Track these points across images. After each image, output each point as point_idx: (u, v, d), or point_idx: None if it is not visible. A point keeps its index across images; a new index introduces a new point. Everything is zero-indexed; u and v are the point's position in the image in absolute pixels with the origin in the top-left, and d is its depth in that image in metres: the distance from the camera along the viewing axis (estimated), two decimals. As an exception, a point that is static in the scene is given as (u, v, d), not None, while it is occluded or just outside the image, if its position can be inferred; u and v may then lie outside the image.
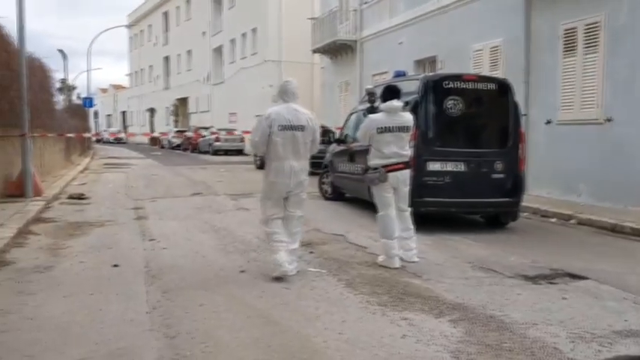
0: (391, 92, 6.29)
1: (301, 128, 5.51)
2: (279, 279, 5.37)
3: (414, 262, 6.16)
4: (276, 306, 4.61)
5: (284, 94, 5.60)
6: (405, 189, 6.29)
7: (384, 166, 6.09)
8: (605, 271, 5.90)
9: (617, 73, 9.80)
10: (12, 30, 10.64)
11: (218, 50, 40.72)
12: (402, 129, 6.18)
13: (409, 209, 6.36)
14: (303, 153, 5.59)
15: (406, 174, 6.26)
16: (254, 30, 34.41)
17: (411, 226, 6.32)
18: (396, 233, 6.12)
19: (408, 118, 6.30)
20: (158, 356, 3.58)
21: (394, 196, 6.22)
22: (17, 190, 10.48)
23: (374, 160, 6.22)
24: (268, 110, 5.57)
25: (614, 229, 8.28)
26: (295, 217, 5.68)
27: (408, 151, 6.28)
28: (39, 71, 13.99)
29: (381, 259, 6.18)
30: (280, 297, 4.86)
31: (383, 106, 6.26)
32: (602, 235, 8.14)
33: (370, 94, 6.72)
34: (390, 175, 6.11)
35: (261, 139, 5.50)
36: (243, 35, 36.04)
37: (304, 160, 5.64)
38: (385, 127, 6.12)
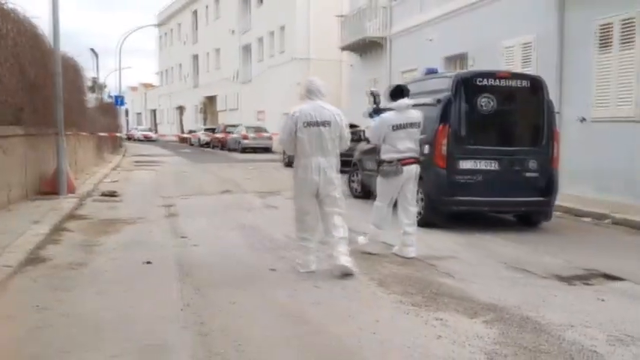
0: (400, 91, 6.61)
1: (327, 124, 5.55)
2: (308, 276, 5.39)
3: (411, 257, 6.27)
4: (308, 305, 4.59)
5: (309, 92, 5.69)
6: (414, 186, 6.53)
7: (399, 160, 6.33)
8: (643, 272, 5.75)
9: (654, 69, 9.54)
10: (45, 29, 10.83)
11: (246, 48, 40.94)
12: (413, 125, 6.50)
13: (415, 206, 6.61)
14: (330, 149, 5.60)
15: (417, 169, 6.53)
16: (282, 28, 34.51)
17: (415, 223, 6.52)
18: (387, 225, 6.49)
19: (417, 114, 6.61)
20: (192, 353, 3.59)
21: (401, 192, 6.46)
22: (51, 187, 10.65)
23: (389, 155, 6.43)
24: (293, 109, 5.68)
25: (652, 230, 8.07)
26: (335, 213, 5.62)
27: (418, 147, 6.59)
28: (71, 70, 14.22)
29: (363, 241, 6.52)
30: (312, 296, 4.84)
31: (394, 104, 6.54)
32: (637, 235, 7.96)
33: (375, 96, 7.11)
34: (405, 168, 6.35)
35: (289, 137, 5.62)
36: (271, 33, 36.16)
37: (333, 157, 5.64)
38: (399, 125, 6.43)
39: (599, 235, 8.07)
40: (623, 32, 10.09)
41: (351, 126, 18.08)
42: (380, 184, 6.58)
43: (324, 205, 5.63)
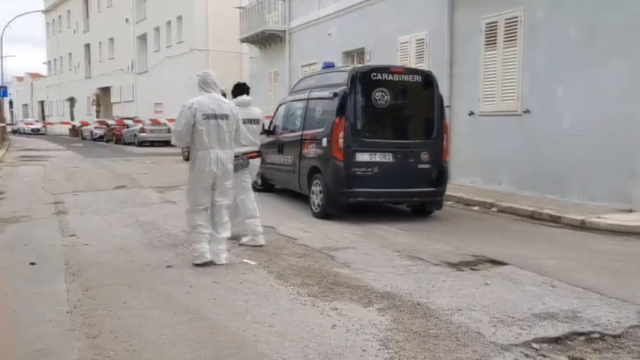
0: (241, 89, 6.95)
1: (225, 117, 5.67)
2: (206, 271, 5.33)
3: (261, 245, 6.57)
4: (205, 301, 4.53)
5: (204, 84, 5.75)
6: (254, 177, 7.02)
7: (245, 154, 6.54)
8: (524, 256, 6.17)
9: (534, 66, 10.22)
10: None
11: (142, 38, 39.53)
12: (253, 121, 6.84)
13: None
14: (228, 142, 5.74)
15: (259, 162, 6.98)
16: (180, 18, 33.62)
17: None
18: (257, 211, 6.64)
19: (257, 111, 7.00)
20: (79, 357, 3.44)
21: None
22: None
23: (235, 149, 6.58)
24: (190, 100, 5.66)
25: (533, 216, 8.67)
26: (223, 207, 5.82)
27: (259, 142, 6.96)
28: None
29: (246, 239, 6.61)
30: (209, 292, 4.78)
31: (235, 101, 6.74)
32: (521, 222, 8.50)
33: (223, 95, 7.37)
34: (250, 161, 6.65)
35: (186, 129, 5.57)
36: (169, 23, 35.14)
37: (230, 150, 5.78)
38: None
39: (486, 223, 8.55)
40: (507, 30, 10.72)
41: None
42: (234, 179, 6.75)
43: (217, 195, 5.75)
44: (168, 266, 5.62)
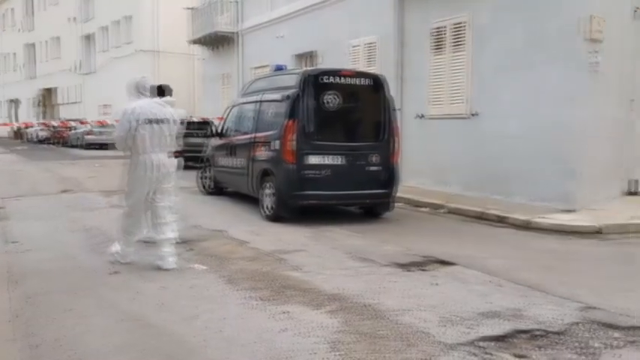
0: (162, 90, 6.88)
1: (166, 121, 5.74)
2: (154, 277, 5.24)
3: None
4: (152, 307, 4.45)
5: (143, 89, 5.78)
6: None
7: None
8: (471, 256, 6.30)
9: (481, 70, 10.47)
10: None
11: (89, 38, 38.56)
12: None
13: None
14: (168, 146, 5.82)
15: (182, 161, 6.97)
16: (128, 18, 32.97)
17: None
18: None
19: (180, 112, 7.12)
20: (19, 368, 3.33)
21: None
22: None
23: None
24: (132, 104, 5.67)
25: (481, 217, 8.87)
26: (164, 207, 5.82)
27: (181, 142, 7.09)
28: None
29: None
30: (156, 298, 4.70)
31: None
32: (469, 223, 8.68)
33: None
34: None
35: (128, 134, 5.60)
36: (117, 23, 34.40)
37: (169, 153, 5.87)
38: None
39: (435, 224, 8.70)
40: (454, 35, 10.95)
41: (205, 122, 17.68)
42: None
43: (156, 197, 5.76)
44: (115, 272, 5.50)
